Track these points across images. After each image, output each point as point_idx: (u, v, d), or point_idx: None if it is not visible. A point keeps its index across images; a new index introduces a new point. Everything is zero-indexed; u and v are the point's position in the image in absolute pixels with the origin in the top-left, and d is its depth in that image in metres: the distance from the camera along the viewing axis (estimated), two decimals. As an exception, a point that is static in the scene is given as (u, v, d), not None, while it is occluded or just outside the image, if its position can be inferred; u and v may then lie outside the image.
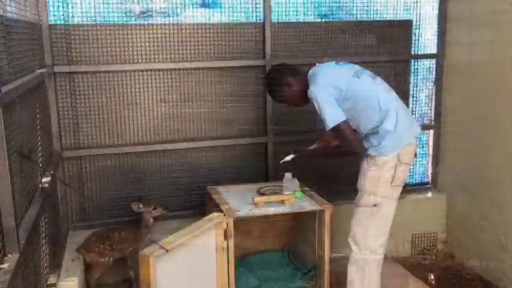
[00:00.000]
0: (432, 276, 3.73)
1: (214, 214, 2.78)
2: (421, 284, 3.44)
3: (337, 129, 2.66)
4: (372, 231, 2.77)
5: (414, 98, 4.01)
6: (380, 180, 2.71)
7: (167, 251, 2.33)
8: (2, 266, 1.64)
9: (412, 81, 3.99)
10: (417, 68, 3.99)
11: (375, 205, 2.73)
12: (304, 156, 3.09)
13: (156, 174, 3.54)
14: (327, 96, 2.67)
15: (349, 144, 2.70)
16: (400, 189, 2.82)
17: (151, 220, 3.15)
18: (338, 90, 2.69)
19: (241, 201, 3.01)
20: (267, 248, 3.52)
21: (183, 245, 2.47)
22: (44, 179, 2.65)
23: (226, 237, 2.76)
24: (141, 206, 3.10)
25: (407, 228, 3.98)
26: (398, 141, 2.70)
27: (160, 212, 3.14)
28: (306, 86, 2.80)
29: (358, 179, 2.80)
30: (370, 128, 2.74)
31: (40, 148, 2.72)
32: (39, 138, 2.73)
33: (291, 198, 2.98)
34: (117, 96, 3.40)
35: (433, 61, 3.99)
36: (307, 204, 2.99)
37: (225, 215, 2.77)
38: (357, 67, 2.87)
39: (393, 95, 2.84)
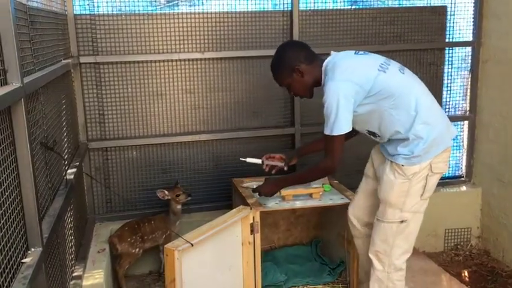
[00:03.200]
0: (466, 273, 3.59)
1: (240, 207, 2.71)
2: (455, 281, 3.31)
3: (335, 139, 2.29)
4: (398, 249, 2.42)
5: (448, 88, 3.85)
6: (409, 193, 2.33)
7: (192, 245, 2.28)
8: (25, 260, 1.61)
9: (446, 70, 3.83)
10: (452, 57, 3.82)
11: (402, 221, 2.37)
12: (272, 185, 2.68)
13: (181, 166, 3.50)
14: (346, 99, 2.25)
15: (332, 159, 2.34)
16: (428, 201, 2.44)
17: (178, 207, 3.13)
18: (359, 88, 2.27)
19: (268, 193, 2.92)
20: (295, 241, 3.45)
21: (209, 239, 2.41)
22: (70, 171, 2.63)
23: (252, 231, 2.70)
24: (166, 193, 3.06)
25: (440, 223, 3.86)
26: (433, 149, 2.30)
27: (184, 198, 3.11)
28: (317, 78, 2.43)
29: (381, 190, 2.38)
30: (396, 132, 2.32)
31: (66, 139, 2.71)
32: (64, 129, 2.71)
33: (320, 191, 2.89)
34: (142, 87, 3.36)
35: (469, 49, 3.82)
36: (336, 197, 2.89)
37: (251, 208, 2.70)
38: (382, 58, 2.42)
39: (426, 91, 2.42)
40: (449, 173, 4.02)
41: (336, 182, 3.15)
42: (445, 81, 3.84)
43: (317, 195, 2.88)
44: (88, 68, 3.25)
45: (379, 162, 2.51)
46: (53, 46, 2.54)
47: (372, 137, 2.49)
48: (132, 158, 3.43)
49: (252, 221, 2.69)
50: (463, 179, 4.01)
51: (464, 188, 3.95)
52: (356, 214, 2.69)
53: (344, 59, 2.39)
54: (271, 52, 3.42)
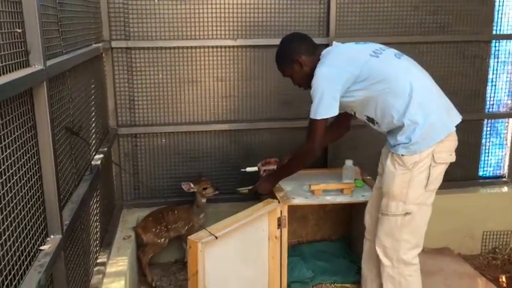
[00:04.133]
0: (504, 278, 3.41)
1: (268, 201, 2.63)
2: (491, 286, 3.14)
3: (317, 123, 2.33)
4: (405, 243, 2.35)
5: (493, 83, 3.64)
6: (411, 184, 2.27)
7: (216, 237, 2.21)
8: (43, 247, 1.58)
9: (491, 64, 3.62)
10: (498, 50, 3.61)
11: (406, 213, 2.31)
12: (266, 182, 2.73)
13: (210, 155, 3.44)
14: (331, 84, 2.30)
15: (312, 142, 2.37)
16: (434, 194, 2.36)
17: (203, 200, 3.07)
18: (347, 73, 2.30)
19: (297, 187, 2.84)
20: (323, 237, 3.36)
21: (234, 232, 2.34)
22: (97, 156, 2.61)
23: (279, 225, 2.61)
24: (192, 186, 3.01)
25: (477, 225, 3.68)
26: (432, 135, 2.23)
27: (211, 192, 3.05)
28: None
29: (383, 183, 2.36)
30: (391, 117, 2.28)
31: (94, 124, 2.68)
32: (93, 114, 2.68)
33: (351, 186, 2.78)
34: (173, 73, 3.30)
35: (517, 42, 3.60)
36: (368, 194, 2.77)
37: (279, 202, 2.62)
38: (379, 45, 2.43)
39: (424, 76, 2.37)
40: (490, 173, 3.82)
41: (368, 177, 3.02)
42: (490, 76, 3.63)
43: (348, 190, 2.77)
44: (120, 52, 3.21)
45: (385, 157, 2.45)
46: (83, 29, 2.50)
47: (371, 124, 2.45)
48: (161, 145, 3.39)
49: (279, 215, 2.60)
50: (504, 179, 3.81)
51: (505, 188, 3.75)
52: (370, 211, 2.61)
53: (338, 47, 2.47)
54: (307, 40, 3.35)
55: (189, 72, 3.31)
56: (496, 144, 3.77)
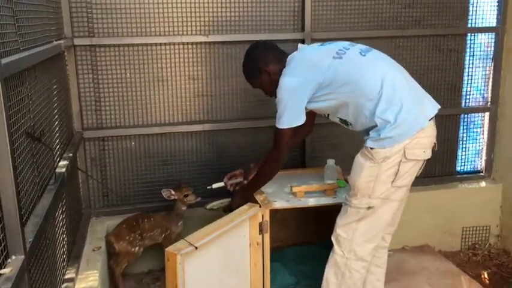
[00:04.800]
0: (486, 275, 3.38)
1: (248, 205, 2.48)
2: (476, 285, 3.09)
3: (283, 131, 2.32)
4: (360, 235, 2.29)
5: (469, 77, 3.60)
6: (378, 179, 2.19)
7: (196, 248, 2.05)
8: (3, 271, 1.38)
9: (467, 58, 3.57)
10: (474, 43, 3.57)
11: (369, 207, 2.25)
12: (239, 197, 2.62)
13: (183, 158, 3.27)
14: (294, 94, 2.27)
15: (277, 151, 2.38)
16: (405, 190, 2.30)
17: (183, 208, 2.91)
18: (310, 80, 2.26)
19: (277, 190, 2.70)
20: (304, 240, 3.23)
21: (214, 240, 2.18)
22: (62, 163, 2.40)
23: (261, 230, 2.47)
24: (173, 192, 2.84)
25: (457, 221, 3.64)
26: (404, 130, 2.15)
27: (193, 199, 2.89)
28: None
29: (351, 174, 2.29)
30: (364, 117, 2.23)
31: (58, 128, 2.47)
32: (56, 117, 2.47)
33: (334, 187, 2.67)
34: (142, 72, 3.11)
35: (492, 35, 3.56)
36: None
37: (260, 206, 2.48)
38: (344, 44, 2.36)
39: (394, 71, 2.28)
40: (467, 168, 3.78)
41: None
42: (466, 70, 3.58)
43: (331, 191, 2.66)
44: (83, 50, 3.00)
45: None
46: (43, 25, 2.29)
47: (344, 125, 2.41)
48: (131, 148, 3.19)
49: (261, 220, 2.46)
50: (482, 174, 3.78)
51: (483, 183, 3.72)
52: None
53: (301, 53, 2.41)
54: (282, 36, 3.23)
55: (158, 71, 3.13)
56: (473, 139, 3.74)
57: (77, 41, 2.94)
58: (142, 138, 3.19)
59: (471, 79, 3.60)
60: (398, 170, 2.19)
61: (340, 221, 2.35)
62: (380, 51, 2.42)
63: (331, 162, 2.79)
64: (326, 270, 2.40)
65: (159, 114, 3.19)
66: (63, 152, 2.57)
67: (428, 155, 2.26)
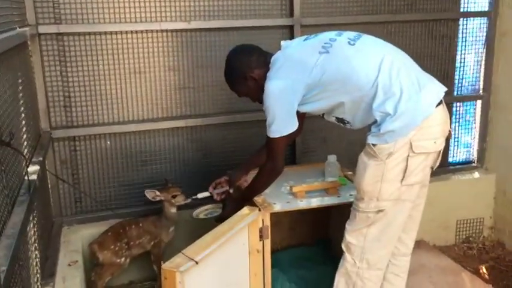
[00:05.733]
0: (484, 269, 3.26)
1: (246, 209, 2.24)
2: (479, 282, 2.96)
3: (275, 141, 2.13)
4: (372, 241, 2.07)
5: (461, 64, 3.46)
6: (384, 178, 1.96)
7: (197, 262, 1.79)
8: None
9: (459, 44, 3.42)
10: (466, 29, 3.42)
11: (379, 211, 2.02)
12: (232, 208, 2.37)
13: (164, 157, 2.99)
14: (282, 99, 2.07)
15: (273, 162, 2.19)
16: (418, 188, 2.06)
17: (172, 210, 2.64)
18: (300, 82, 2.05)
19: (275, 190, 2.46)
20: (299, 241, 3.00)
21: (214, 252, 1.93)
22: (32, 169, 2.08)
23: (261, 236, 2.23)
24: (157, 193, 2.56)
25: (450, 214, 3.52)
26: (407, 121, 1.91)
27: (182, 200, 2.63)
28: None
29: (355, 175, 2.08)
30: (362, 113, 2.03)
31: (24, 129, 2.14)
32: (23, 116, 2.14)
33: (336, 185, 2.45)
34: (116, 64, 2.80)
35: (485, 20, 3.43)
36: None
37: (260, 209, 2.23)
38: (331, 35, 2.13)
39: (386, 54, 2.02)
40: (459, 159, 3.66)
41: (350, 173, 2.70)
42: (458, 57, 3.43)
43: (334, 190, 2.44)
44: (49, 40, 2.66)
45: None
46: (2, 9, 1.95)
47: (342, 124, 2.19)
48: (105, 148, 2.89)
49: (261, 225, 2.22)
50: (474, 164, 3.66)
51: (476, 174, 3.60)
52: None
53: (284, 52, 2.19)
54: (269, 22, 2.98)
55: (134, 61, 2.83)
56: (465, 128, 3.61)
57: (41, 29, 2.61)
58: (118, 136, 2.89)
59: (463, 66, 3.46)
60: (406, 166, 1.95)
61: (349, 226, 2.12)
62: (371, 36, 2.18)
63: (332, 158, 2.57)
64: (336, 279, 2.17)
65: (137, 109, 2.89)
66: (31, 155, 2.24)
67: (440, 145, 2.03)
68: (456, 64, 3.44)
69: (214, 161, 3.05)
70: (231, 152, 3.06)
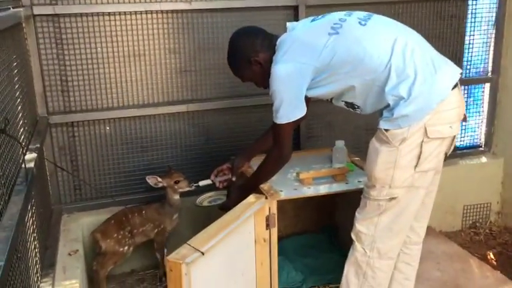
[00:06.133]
0: (492, 255, 3.21)
1: (254, 196, 2.16)
2: (487, 268, 2.89)
3: (283, 127, 2.03)
4: (383, 230, 1.99)
5: (470, 45, 3.36)
6: (397, 165, 1.87)
7: (203, 253, 1.72)
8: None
9: (468, 25, 3.32)
10: (475, 8, 3.31)
11: (391, 198, 1.94)
12: (236, 197, 2.27)
13: (165, 143, 2.90)
14: (290, 83, 1.97)
15: (280, 149, 2.10)
16: (432, 174, 1.98)
17: (176, 197, 2.57)
18: (308, 66, 1.94)
19: (280, 176, 2.37)
20: (303, 228, 2.94)
21: (220, 242, 1.86)
22: (29, 156, 1.99)
23: (268, 225, 2.16)
24: (159, 179, 2.48)
25: (457, 199, 3.46)
26: (422, 105, 1.82)
27: (185, 186, 2.54)
28: None
29: (366, 162, 1.99)
30: (373, 98, 1.94)
31: (21, 115, 2.05)
32: (19, 101, 2.05)
33: (344, 171, 2.37)
34: (115, 46, 2.70)
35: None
36: (365, 178, 2.36)
37: (266, 197, 2.16)
38: (340, 15, 2.02)
39: (398, 34, 1.92)
40: (466, 143, 3.58)
41: (357, 159, 2.63)
42: (467, 38, 3.34)
43: (342, 176, 2.36)
44: (45, 21, 2.56)
45: None
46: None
47: (351, 109, 2.08)
48: (105, 134, 2.80)
49: (267, 213, 2.14)
50: (481, 148, 3.59)
51: (484, 159, 3.53)
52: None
53: (291, 34, 2.06)
54: (273, 2, 2.87)
55: (134, 44, 2.73)
56: (472, 111, 3.52)
57: (36, 10, 2.50)
58: (117, 122, 2.81)
59: (472, 48, 3.37)
60: (420, 152, 1.86)
61: (359, 215, 2.04)
62: (382, 16, 2.08)
63: (340, 143, 2.49)
64: (346, 268, 2.11)
65: (136, 94, 2.80)
66: (28, 142, 2.15)
67: (456, 130, 1.95)
68: (464, 46, 3.35)
69: (216, 146, 2.97)
70: (233, 137, 2.98)
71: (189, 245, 1.73)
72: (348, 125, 3.21)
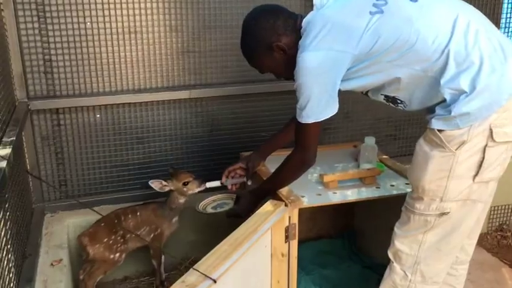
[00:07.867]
0: (525, 264, 2.92)
1: (269, 204, 1.83)
2: (522, 279, 2.62)
3: (306, 127, 1.72)
4: (429, 251, 1.69)
5: (506, 29, 3.05)
6: (453, 174, 1.56)
7: (215, 281, 1.39)
8: None
9: (505, 6, 3.01)
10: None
11: (443, 214, 1.63)
12: (249, 204, 2.00)
13: (163, 133, 2.61)
14: (323, 75, 1.63)
15: (303, 152, 1.79)
16: (493, 185, 1.69)
17: (181, 200, 2.25)
18: (344, 54, 1.61)
19: (300, 178, 2.02)
20: (319, 233, 2.64)
21: (235, 262, 1.53)
22: (3, 151, 1.64)
23: (287, 237, 1.83)
24: (164, 183, 2.15)
25: (484, 200, 3.15)
26: (488, 101, 1.50)
27: (196, 187, 2.20)
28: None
29: (411, 169, 1.67)
30: (422, 92, 1.62)
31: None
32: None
33: (375, 173, 2.04)
34: (107, 21, 2.37)
35: (535, -22, 3.01)
36: (399, 182, 2.04)
37: (286, 204, 1.82)
38: None
39: (459, 12, 1.57)
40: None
41: (385, 157, 2.30)
42: (504, 21, 3.04)
43: (371, 179, 2.03)
44: (24, -10, 2.21)
45: None
46: None
47: (391, 105, 1.75)
48: (95, 122, 2.49)
49: (287, 224, 1.82)
50: (510, 144, 3.28)
51: None
52: None
53: (321, 14, 1.69)
54: (288, -26, 2.52)
55: (129, 19, 2.40)
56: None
57: (14, -24, 2.14)
58: (109, 109, 2.50)
59: (508, 31, 3.06)
60: (483, 158, 1.54)
61: (399, 231, 1.71)
62: None
63: (370, 141, 2.15)
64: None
65: (131, 77, 2.49)
66: (2, 133, 1.80)
67: None
68: (500, 29, 3.04)
69: (222, 139, 2.67)
70: (242, 128, 2.68)
71: (197, 270, 1.40)
72: (367, 116, 2.90)
